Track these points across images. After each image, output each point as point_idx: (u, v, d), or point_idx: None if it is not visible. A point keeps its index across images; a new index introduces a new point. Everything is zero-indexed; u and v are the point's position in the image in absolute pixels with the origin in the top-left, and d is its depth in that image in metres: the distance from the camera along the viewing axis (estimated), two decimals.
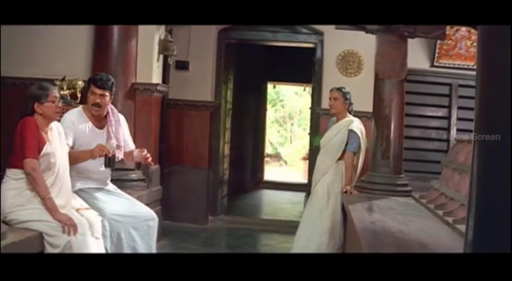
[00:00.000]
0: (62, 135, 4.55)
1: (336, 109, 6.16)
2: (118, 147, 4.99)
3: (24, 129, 4.18)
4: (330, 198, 6.00)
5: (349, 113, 6.20)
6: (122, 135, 5.12)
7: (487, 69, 2.09)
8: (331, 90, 6.24)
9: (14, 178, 4.22)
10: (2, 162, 4.52)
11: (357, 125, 6.05)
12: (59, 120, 4.60)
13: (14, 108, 4.64)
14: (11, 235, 3.89)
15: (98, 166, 4.89)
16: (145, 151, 5.07)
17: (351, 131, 6.01)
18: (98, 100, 4.92)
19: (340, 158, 6.07)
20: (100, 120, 5.06)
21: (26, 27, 6.53)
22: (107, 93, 4.95)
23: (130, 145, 5.27)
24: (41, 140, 4.25)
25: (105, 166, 4.79)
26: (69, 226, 4.16)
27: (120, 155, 5.02)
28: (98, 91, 4.92)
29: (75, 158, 4.76)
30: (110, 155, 4.70)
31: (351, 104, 6.19)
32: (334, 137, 6.10)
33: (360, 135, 6.01)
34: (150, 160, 5.10)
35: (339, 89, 6.15)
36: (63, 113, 5.32)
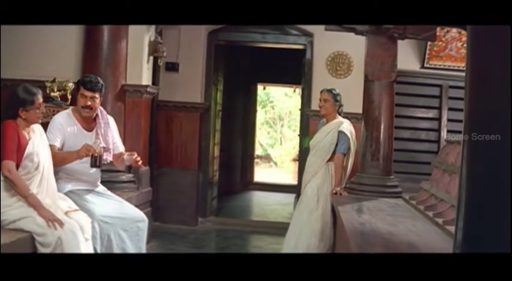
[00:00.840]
0: (43, 136, 4.54)
1: (325, 110, 6.17)
2: (107, 149, 4.96)
3: (5, 132, 4.18)
4: (320, 199, 6.01)
5: (339, 114, 6.22)
6: (110, 137, 5.10)
7: (476, 69, 2.10)
8: (321, 92, 6.26)
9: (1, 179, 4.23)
10: None
11: (347, 127, 6.07)
12: (41, 124, 4.55)
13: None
14: (2, 237, 3.90)
15: (87, 167, 4.86)
16: (136, 154, 5.05)
17: (340, 133, 6.03)
18: (89, 103, 4.91)
19: (329, 160, 6.08)
20: (89, 123, 5.04)
21: (15, 28, 6.50)
22: (97, 96, 4.93)
23: (120, 147, 5.25)
24: (23, 141, 4.26)
25: (91, 166, 4.76)
26: (52, 220, 4.18)
27: (109, 157, 5.00)
28: (89, 94, 4.90)
29: (62, 159, 4.75)
30: (96, 154, 4.67)
31: (340, 105, 6.20)
32: (324, 138, 6.11)
33: (349, 136, 6.03)
34: (140, 163, 5.08)
35: (329, 91, 6.17)
36: (53, 114, 5.30)
